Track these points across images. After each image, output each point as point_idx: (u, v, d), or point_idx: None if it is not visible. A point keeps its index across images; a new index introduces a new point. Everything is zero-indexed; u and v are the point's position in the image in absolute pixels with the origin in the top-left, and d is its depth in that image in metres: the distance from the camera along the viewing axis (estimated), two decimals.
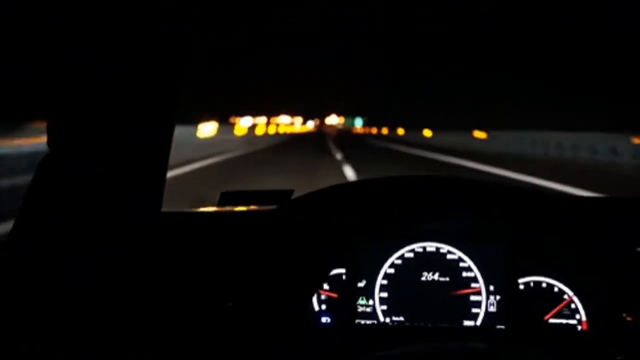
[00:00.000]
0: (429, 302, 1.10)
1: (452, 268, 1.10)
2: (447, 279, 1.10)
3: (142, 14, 0.87)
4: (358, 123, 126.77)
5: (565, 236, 1.02)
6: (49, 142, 0.89)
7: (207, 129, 23.85)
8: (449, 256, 1.11)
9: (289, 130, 68.14)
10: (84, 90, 0.87)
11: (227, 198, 1.20)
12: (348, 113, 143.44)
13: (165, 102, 0.94)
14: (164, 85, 0.93)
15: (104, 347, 0.85)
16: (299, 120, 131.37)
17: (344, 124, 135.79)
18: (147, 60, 0.89)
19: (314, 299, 1.11)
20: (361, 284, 1.11)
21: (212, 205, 1.20)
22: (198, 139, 21.26)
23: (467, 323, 1.09)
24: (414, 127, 43.47)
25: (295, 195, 1.11)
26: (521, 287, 1.10)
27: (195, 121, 21.98)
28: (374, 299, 1.10)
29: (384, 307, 1.10)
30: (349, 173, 12.15)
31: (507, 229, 1.08)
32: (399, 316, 1.10)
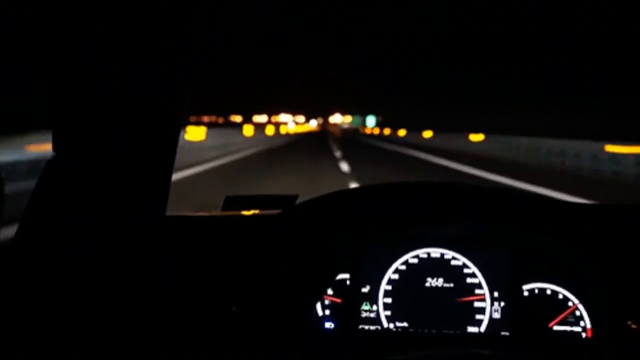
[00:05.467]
0: (432, 308, 1.09)
1: (456, 274, 1.10)
2: (452, 285, 1.10)
3: (146, 17, 0.87)
4: (370, 122, 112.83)
5: (570, 243, 1.01)
6: (54, 146, 0.89)
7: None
8: (453, 262, 1.11)
9: (271, 132, 53.44)
10: (88, 95, 0.87)
11: (232, 202, 1.20)
12: (353, 112, 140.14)
13: (170, 106, 0.94)
14: (169, 90, 0.93)
15: (107, 349, 0.86)
16: (301, 118, 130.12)
17: (351, 123, 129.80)
18: (152, 64, 0.89)
19: (318, 304, 1.11)
20: (365, 290, 1.11)
21: (216, 209, 1.20)
22: None
23: (471, 329, 1.08)
24: (422, 128, 42.71)
25: (299, 200, 1.11)
26: (526, 293, 1.09)
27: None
28: (377, 305, 1.10)
29: (388, 313, 1.10)
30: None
31: (512, 235, 1.08)
32: (402, 322, 1.09)
